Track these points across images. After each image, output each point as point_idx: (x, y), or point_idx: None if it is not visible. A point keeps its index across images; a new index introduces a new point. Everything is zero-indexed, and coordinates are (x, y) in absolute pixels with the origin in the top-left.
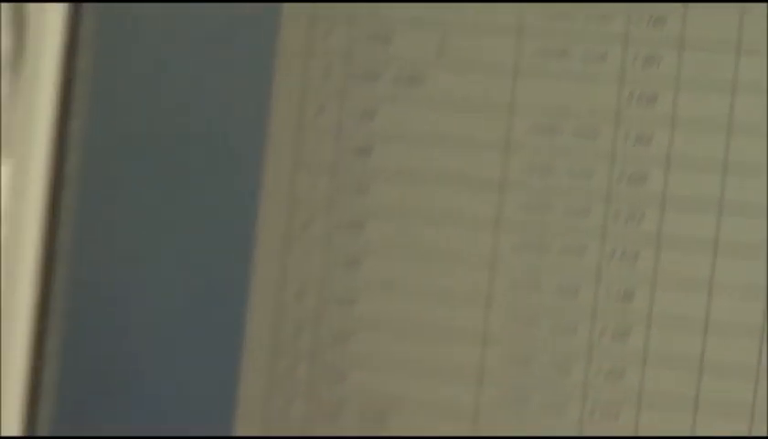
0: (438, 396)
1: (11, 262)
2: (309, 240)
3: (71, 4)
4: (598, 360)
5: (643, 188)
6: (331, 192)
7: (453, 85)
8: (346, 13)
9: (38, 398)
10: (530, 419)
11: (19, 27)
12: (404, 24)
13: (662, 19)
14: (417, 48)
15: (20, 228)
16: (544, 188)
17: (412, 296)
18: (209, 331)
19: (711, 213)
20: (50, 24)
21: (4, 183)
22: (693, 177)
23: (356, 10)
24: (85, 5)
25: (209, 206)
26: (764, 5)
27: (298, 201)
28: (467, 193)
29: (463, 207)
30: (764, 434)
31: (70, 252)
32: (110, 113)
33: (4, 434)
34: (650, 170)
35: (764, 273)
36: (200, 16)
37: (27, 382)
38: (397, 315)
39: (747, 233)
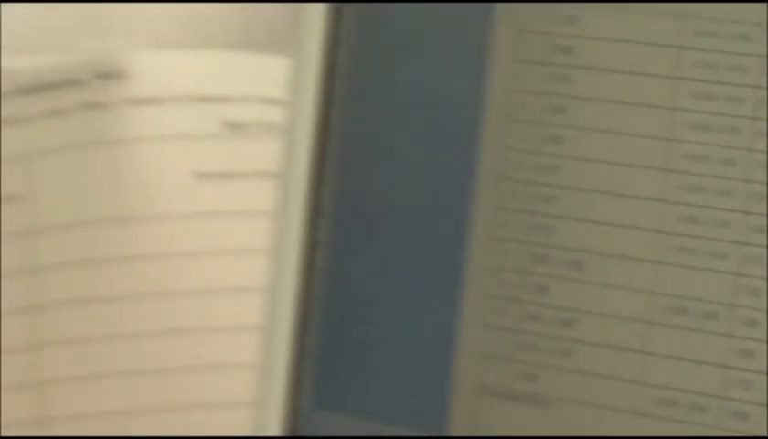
0: (622, 246)
1: (290, 139)
2: (524, 122)
3: None
4: None
5: None
6: (540, 83)
7: None
8: None
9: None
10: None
11: None
12: None
13: None
14: None
15: (298, 113)
16: None
17: (604, 168)
18: (445, 173)
19: None
20: None
21: (285, 77)
22: None
23: None
24: None
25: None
26: None
27: (517, 91)
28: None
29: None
30: None
31: (341, 133)
32: (376, 15)
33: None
34: None
35: None
36: None
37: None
38: (591, 183)
39: None
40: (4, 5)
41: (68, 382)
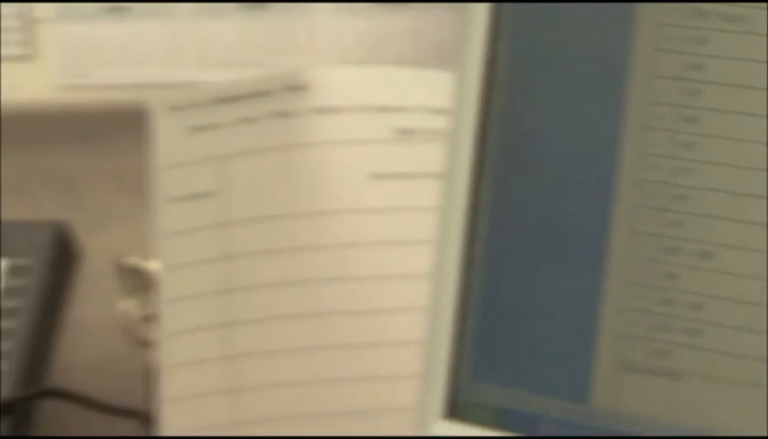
0: (744, 239)
1: (453, 144)
2: (660, 130)
3: None
4: None
5: None
6: (674, 96)
7: None
8: None
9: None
10: None
11: None
12: None
13: None
14: None
15: (461, 121)
16: None
17: (729, 170)
18: (590, 174)
19: None
20: None
21: (450, 89)
22: None
23: None
24: None
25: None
26: None
27: (654, 103)
28: None
29: None
30: None
31: (497, 139)
32: (529, 37)
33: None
34: None
35: None
36: None
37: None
38: (718, 183)
39: None
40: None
41: (256, 356)
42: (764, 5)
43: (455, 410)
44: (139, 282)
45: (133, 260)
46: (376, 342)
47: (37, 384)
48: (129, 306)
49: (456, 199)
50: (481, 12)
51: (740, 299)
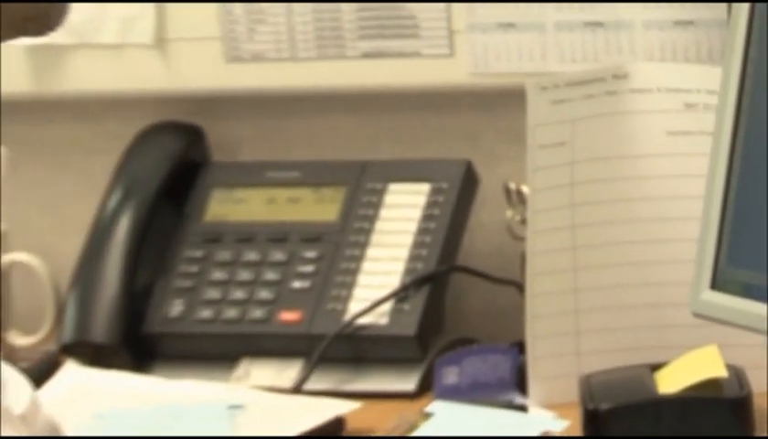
0: None
1: (721, 113)
2: None
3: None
4: None
5: None
6: None
7: None
8: None
9: None
10: None
11: None
12: None
13: None
14: None
15: (726, 98)
16: None
17: None
18: None
19: None
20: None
21: (719, 78)
22: None
23: None
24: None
25: None
26: None
27: None
28: None
29: None
30: None
31: (748, 110)
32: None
33: None
34: None
35: None
36: None
37: None
38: None
39: None
40: None
41: (594, 246)
42: None
43: (716, 283)
44: (517, 198)
45: (514, 184)
46: (669, 239)
47: (449, 262)
48: (510, 214)
49: (722, 148)
50: (741, 21)
51: None
